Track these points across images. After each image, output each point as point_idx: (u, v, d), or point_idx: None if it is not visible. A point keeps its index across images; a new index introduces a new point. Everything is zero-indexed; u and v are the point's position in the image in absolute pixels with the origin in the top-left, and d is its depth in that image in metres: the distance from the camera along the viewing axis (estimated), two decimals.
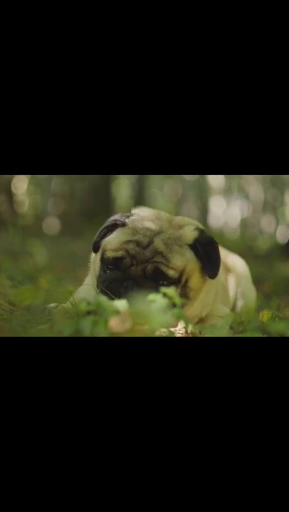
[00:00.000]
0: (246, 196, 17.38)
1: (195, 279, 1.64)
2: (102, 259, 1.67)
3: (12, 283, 1.87)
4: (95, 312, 1.36)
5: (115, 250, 1.64)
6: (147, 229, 1.67)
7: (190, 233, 1.68)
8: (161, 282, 1.59)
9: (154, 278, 1.59)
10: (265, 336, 1.47)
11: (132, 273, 1.60)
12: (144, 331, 1.29)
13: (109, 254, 1.64)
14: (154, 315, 1.29)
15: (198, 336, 1.48)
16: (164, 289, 1.52)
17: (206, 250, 1.66)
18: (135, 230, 1.66)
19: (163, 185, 18.01)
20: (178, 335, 1.49)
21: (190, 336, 1.48)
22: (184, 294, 1.62)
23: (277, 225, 16.06)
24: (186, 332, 1.50)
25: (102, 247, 1.70)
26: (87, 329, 1.25)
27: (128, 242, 1.63)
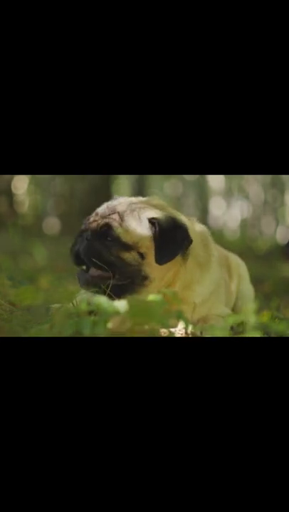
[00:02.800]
0: (246, 197, 17.37)
1: (153, 258, 1.58)
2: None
3: (12, 283, 1.86)
4: (95, 313, 1.36)
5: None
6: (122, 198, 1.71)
7: (153, 211, 1.63)
8: (109, 239, 1.57)
9: (104, 233, 1.58)
10: (265, 336, 1.47)
11: (90, 225, 1.61)
12: (144, 331, 1.29)
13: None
14: (154, 315, 1.29)
15: (199, 336, 1.48)
16: (163, 290, 1.52)
17: (163, 233, 1.57)
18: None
19: (163, 185, 17.99)
20: (178, 335, 1.49)
21: (190, 336, 1.48)
22: (143, 270, 1.57)
23: (277, 225, 16.06)
24: (186, 332, 1.50)
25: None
26: (87, 329, 1.25)
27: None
